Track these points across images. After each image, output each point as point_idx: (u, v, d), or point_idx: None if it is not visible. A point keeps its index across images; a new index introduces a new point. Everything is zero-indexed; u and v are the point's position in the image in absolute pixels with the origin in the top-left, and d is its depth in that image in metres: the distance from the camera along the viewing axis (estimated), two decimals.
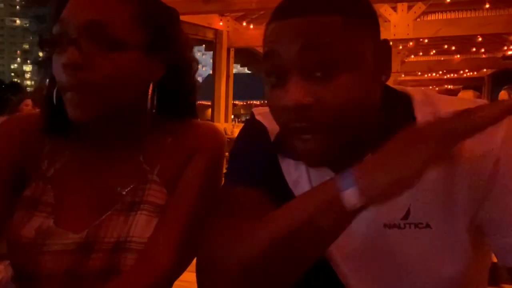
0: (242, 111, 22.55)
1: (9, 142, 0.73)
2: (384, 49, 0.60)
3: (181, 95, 0.76)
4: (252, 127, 0.74)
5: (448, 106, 0.60)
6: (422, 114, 0.60)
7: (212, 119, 6.45)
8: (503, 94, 3.42)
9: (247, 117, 0.81)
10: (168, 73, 0.72)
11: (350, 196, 0.47)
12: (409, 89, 0.65)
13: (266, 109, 0.76)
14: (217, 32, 6.22)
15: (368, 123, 0.57)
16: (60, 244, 0.67)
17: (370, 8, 0.59)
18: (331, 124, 0.55)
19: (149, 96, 0.70)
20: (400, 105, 0.61)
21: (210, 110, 6.97)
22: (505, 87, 3.43)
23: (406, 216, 0.58)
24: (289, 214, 0.53)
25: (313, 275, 0.70)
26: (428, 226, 0.57)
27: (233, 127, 6.47)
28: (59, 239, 0.67)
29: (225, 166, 0.77)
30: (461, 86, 10.20)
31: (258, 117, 0.73)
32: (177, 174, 0.74)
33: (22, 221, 0.68)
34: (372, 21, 0.59)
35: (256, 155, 0.69)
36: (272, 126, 0.70)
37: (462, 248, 0.58)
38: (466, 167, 0.55)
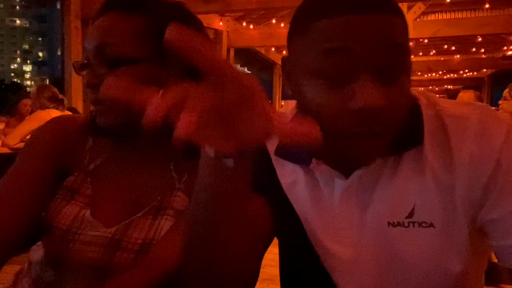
0: None
1: (54, 137, 0.79)
2: None
3: None
4: None
5: (449, 107, 0.60)
6: (427, 115, 0.60)
7: None
8: (506, 92, 3.42)
9: None
10: (187, 79, 0.74)
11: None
12: (412, 91, 0.65)
13: None
14: (217, 32, 6.21)
15: None
16: (91, 236, 0.71)
17: None
18: (393, 126, 0.55)
19: None
20: (409, 105, 0.62)
21: None
22: (510, 84, 3.42)
23: (411, 214, 0.58)
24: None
25: (305, 281, 0.70)
26: (431, 225, 0.58)
27: None
28: (92, 230, 0.72)
29: None
30: (461, 86, 10.20)
31: None
32: None
33: (58, 207, 0.73)
34: None
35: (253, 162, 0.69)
36: None
37: (463, 248, 0.58)
38: (466, 168, 0.55)
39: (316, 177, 0.65)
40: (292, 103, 0.68)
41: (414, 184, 0.58)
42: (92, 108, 0.75)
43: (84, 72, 0.74)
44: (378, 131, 0.53)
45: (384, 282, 0.62)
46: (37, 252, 0.78)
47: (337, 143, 0.55)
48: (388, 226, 0.59)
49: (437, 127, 0.59)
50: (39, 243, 0.79)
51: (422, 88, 13.60)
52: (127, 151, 0.80)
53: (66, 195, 0.75)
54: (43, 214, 0.74)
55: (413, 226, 0.58)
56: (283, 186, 0.67)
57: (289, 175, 0.67)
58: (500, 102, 3.44)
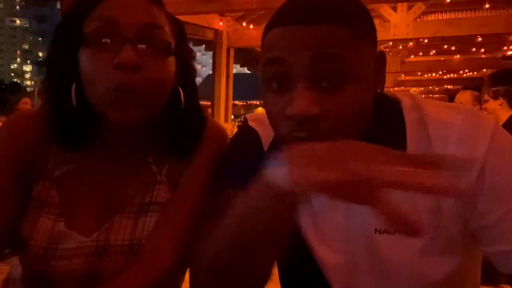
0: (242, 111, 22.52)
1: (15, 140, 0.70)
2: (381, 61, 0.60)
3: (187, 97, 0.76)
4: (245, 133, 0.74)
5: (434, 111, 0.60)
6: (410, 119, 0.60)
7: None
8: (486, 96, 3.49)
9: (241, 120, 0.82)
10: (178, 76, 0.73)
11: (276, 175, 0.44)
12: (397, 93, 0.65)
13: (260, 115, 0.76)
14: (217, 32, 6.21)
15: (362, 131, 0.58)
16: (72, 248, 0.67)
17: (371, 19, 0.59)
18: (332, 134, 0.55)
19: (182, 97, 0.72)
20: (389, 110, 0.62)
21: (210, 110, 6.97)
22: (488, 89, 3.48)
23: None
24: (235, 204, 0.54)
25: (303, 280, 0.71)
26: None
27: (233, 127, 6.47)
28: (72, 243, 0.67)
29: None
30: (461, 86, 10.19)
31: (251, 123, 0.73)
32: (182, 174, 0.74)
33: (31, 223, 0.68)
34: (374, 33, 0.59)
35: (248, 162, 0.69)
36: (265, 133, 0.70)
37: (451, 253, 0.58)
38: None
39: None
40: None
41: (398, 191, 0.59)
42: (115, 96, 0.61)
43: (98, 47, 0.62)
44: (314, 138, 0.53)
45: (372, 286, 0.62)
46: (17, 268, 0.73)
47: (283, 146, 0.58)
48: (375, 233, 0.60)
49: (421, 133, 0.59)
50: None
51: (422, 88, 13.59)
52: (99, 151, 0.72)
53: (36, 208, 0.69)
54: (18, 226, 0.68)
55: (399, 233, 0.58)
56: None
57: None
58: (483, 106, 3.53)
